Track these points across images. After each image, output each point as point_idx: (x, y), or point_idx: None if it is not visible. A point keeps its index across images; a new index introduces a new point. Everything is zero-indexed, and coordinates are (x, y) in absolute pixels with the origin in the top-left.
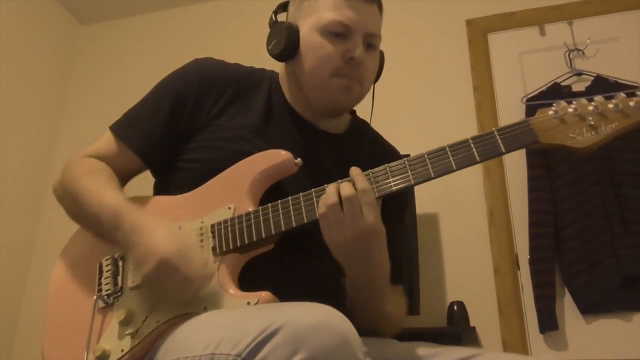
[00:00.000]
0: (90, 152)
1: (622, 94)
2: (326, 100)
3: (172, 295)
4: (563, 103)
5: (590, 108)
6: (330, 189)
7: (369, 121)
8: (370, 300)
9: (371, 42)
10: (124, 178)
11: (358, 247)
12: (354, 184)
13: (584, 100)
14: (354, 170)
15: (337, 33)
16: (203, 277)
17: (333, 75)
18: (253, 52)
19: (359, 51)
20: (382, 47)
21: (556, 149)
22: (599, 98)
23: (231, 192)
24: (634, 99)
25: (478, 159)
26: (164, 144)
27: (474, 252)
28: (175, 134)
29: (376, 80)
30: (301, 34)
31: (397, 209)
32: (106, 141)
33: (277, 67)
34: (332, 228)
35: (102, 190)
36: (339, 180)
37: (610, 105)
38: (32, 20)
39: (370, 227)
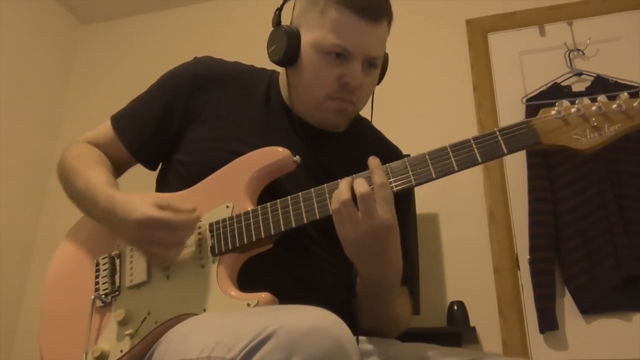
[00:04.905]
0: (88, 137)
1: (626, 94)
2: (317, 117)
3: (167, 250)
4: (566, 103)
5: (594, 109)
6: (343, 184)
7: (369, 119)
8: (381, 301)
9: (372, 62)
10: (118, 166)
11: (372, 244)
12: (371, 177)
13: (587, 101)
14: (373, 162)
15: (337, 54)
16: (191, 223)
17: (327, 97)
18: (254, 52)
19: (355, 77)
20: None
21: (558, 150)
22: (602, 98)
23: (229, 190)
24: (638, 99)
25: (480, 160)
26: (155, 141)
27: (474, 252)
28: (168, 131)
29: (378, 82)
30: (302, 45)
31: (400, 210)
32: (105, 129)
33: (280, 67)
34: (345, 224)
35: (87, 171)
36: (353, 175)
37: (614, 106)
38: (32, 20)
39: (386, 224)
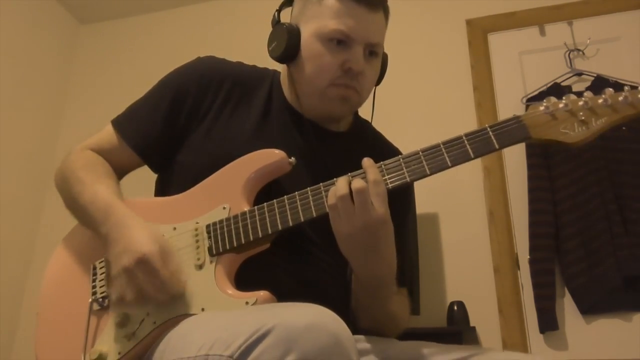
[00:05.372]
0: (91, 144)
1: (611, 89)
2: (322, 108)
3: (147, 293)
4: (553, 99)
5: (580, 103)
6: (341, 181)
7: (369, 121)
8: (376, 299)
9: (373, 50)
10: (122, 171)
11: (366, 240)
12: (365, 175)
13: (573, 96)
14: (367, 162)
15: (338, 40)
16: (178, 283)
17: (331, 84)
18: (254, 52)
19: (358, 62)
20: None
21: (550, 145)
22: (588, 93)
23: (226, 192)
24: (623, 93)
25: (472, 156)
26: (163, 140)
27: (474, 252)
28: (174, 131)
29: (378, 83)
30: (302, 38)
31: (400, 209)
32: (107, 134)
33: (281, 66)
34: (341, 219)
35: (96, 184)
36: (349, 174)
37: (600, 101)
38: (32, 20)
39: (381, 218)
